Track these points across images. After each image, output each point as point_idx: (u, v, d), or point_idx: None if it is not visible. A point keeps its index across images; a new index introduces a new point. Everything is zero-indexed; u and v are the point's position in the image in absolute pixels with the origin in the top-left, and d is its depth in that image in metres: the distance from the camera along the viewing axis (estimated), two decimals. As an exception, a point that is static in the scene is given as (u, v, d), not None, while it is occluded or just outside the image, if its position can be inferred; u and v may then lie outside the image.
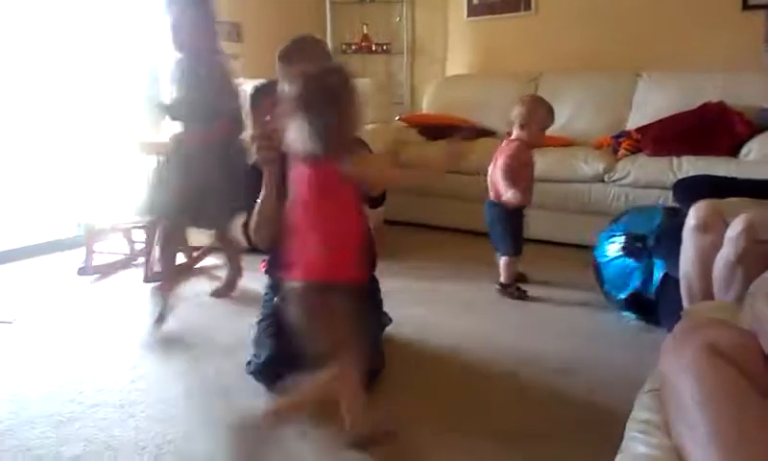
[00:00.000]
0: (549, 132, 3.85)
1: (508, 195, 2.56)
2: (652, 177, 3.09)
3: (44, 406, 1.83)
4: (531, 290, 2.72)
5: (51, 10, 3.48)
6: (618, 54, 4.04)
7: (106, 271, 3.19)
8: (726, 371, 0.86)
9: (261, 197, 1.91)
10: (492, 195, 2.71)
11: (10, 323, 2.50)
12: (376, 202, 2.06)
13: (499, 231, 2.69)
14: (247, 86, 2.32)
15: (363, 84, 3.68)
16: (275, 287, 2.08)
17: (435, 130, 4.08)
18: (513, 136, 2.67)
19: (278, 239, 1.96)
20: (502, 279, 2.70)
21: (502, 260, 2.71)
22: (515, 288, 2.68)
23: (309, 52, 1.86)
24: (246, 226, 2.09)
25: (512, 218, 2.65)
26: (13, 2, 3.35)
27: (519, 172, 2.61)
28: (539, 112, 2.62)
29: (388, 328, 2.21)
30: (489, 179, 2.72)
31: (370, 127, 3.51)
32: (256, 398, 1.84)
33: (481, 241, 3.60)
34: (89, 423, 1.74)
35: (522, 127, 2.63)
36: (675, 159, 3.12)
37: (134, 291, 2.91)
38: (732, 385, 0.85)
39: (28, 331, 2.44)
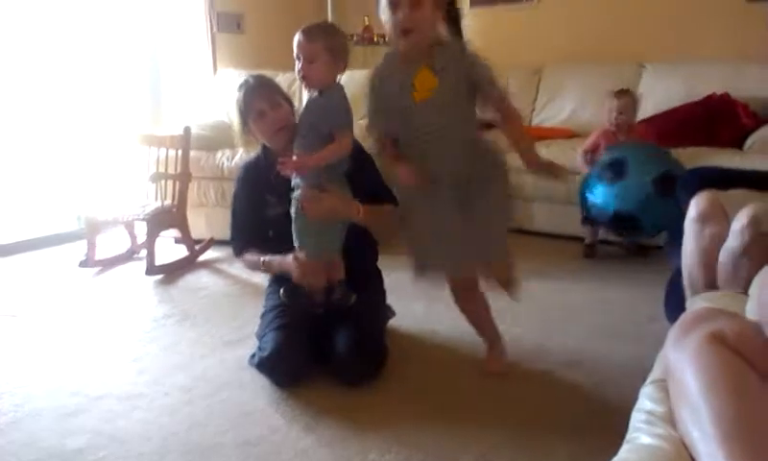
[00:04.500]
0: (552, 123, 3.85)
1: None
2: (656, 168, 3.08)
3: (49, 399, 1.84)
4: (533, 284, 2.72)
5: (50, 3, 3.46)
6: (622, 45, 4.01)
7: (107, 264, 3.19)
8: (730, 359, 0.86)
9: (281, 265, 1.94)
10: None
11: (14, 316, 2.51)
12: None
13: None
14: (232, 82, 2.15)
15: (364, 75, 3.68)
16: (278, 280, 2.08)
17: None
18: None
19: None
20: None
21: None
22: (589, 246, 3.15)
23: (330, 34, 1.80)
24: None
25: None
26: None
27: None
28: (609, 102, 3.02)
29: (391, 322, 2.21)
30: None
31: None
32: (260, 390, 1.85)
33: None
34: (94, 415, 1.74)
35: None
36: (680, 150, 3.10)
37: (136, 284, 2.91)
38: (735, 373, 0.85)
39: (31, 325, 2.44)
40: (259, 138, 2.01)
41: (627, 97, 3.01)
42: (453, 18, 1.75)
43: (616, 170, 2.76)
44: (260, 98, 1.95)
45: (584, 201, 2.93)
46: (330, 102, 1.81)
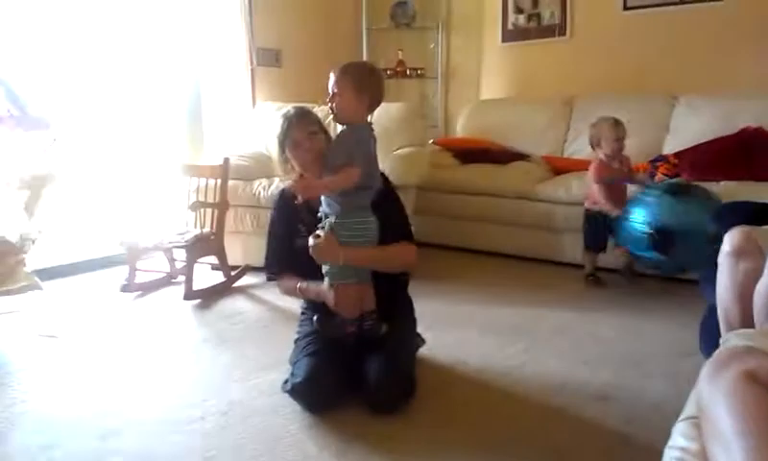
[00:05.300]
0: (582, 155, 3.84)
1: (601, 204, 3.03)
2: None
3: (87, 419, 1.90)
4: (565, 315, 2.72)
5: (97, 36, 3.63)
6: (653, 78, 4.02)
7: (147, 288, 3.29)
8: (763, 398, 0.86)
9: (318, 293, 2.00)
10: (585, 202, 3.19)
11: (55, 337, 2.60)
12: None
13: (583, 228, 3.18)
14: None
15: (398, 107, 3.76)
16: (312, 307, 2.12)
17: (469, 153, 4.11)
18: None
19: None
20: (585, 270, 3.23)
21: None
22: (589, 276, 3.18)
23: (361, 72, 1.89)
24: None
25: (589, 219, 3.12)
26: (63, 26, 3.52)
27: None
28: (603, 130, 3.03)
29: (421, 350, 2.23)
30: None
31: (405, 151, 3.55)
32: (293, 416, 1.88)
33: (516, 264, 3.60)
34: (131, 437, 1.79)
35: (595, 147, 3.11)
36: (714, 184, 3.07)
37: (174, 309, 2.99)
38: (769, 413, 0.85)
39: (72, 346, 2.53)
40: (296, 167, 2.08)
41: (623, 125, 3.05)
42: None
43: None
44: (297, 128, 2.02)
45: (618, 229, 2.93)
46: (346, 136, 1.90)
